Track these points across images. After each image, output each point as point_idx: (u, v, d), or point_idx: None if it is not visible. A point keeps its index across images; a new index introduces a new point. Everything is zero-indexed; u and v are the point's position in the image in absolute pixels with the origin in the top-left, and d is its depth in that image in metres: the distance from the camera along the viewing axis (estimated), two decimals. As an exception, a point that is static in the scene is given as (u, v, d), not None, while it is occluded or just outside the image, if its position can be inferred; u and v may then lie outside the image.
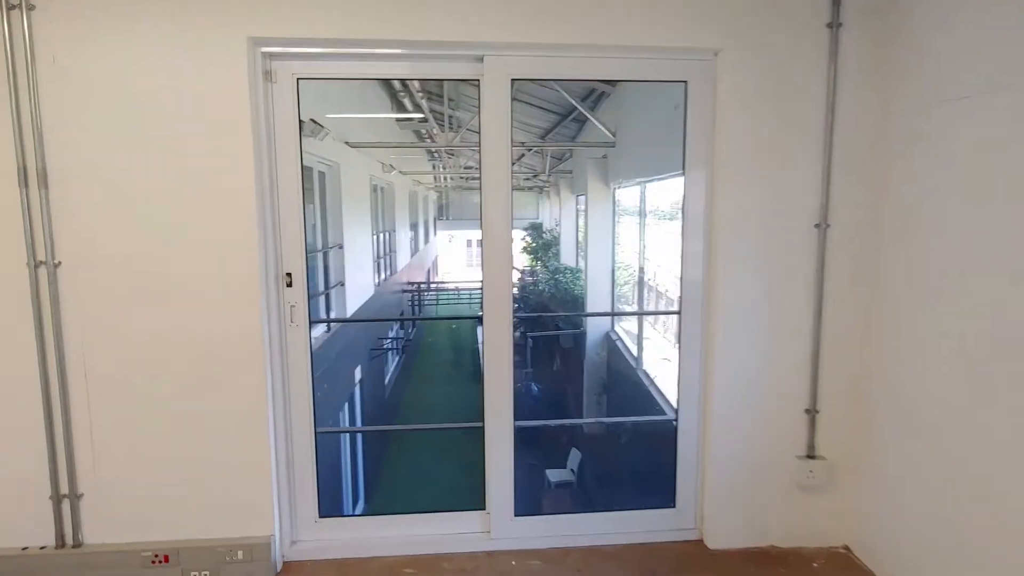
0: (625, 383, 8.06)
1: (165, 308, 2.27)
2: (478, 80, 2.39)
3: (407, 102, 11.46)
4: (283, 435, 2.49)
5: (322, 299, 7.15)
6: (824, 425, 2.56)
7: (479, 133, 2.43)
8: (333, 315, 7.79)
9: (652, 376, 7.09)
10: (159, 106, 2.18)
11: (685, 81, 2.47)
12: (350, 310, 8.30)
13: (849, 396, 2.53)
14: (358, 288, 8.87)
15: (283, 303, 2.45)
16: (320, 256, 7.16)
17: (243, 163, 2.24)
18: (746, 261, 2.47)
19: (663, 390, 6.56)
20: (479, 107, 2.42)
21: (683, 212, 2.57)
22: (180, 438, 2.35)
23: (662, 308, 8.25)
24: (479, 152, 2.44)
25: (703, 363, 2.62)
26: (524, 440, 8.65)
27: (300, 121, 2.38)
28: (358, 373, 8.81)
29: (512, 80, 2.40)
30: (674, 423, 2.75)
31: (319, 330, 7.04)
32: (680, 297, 2.63)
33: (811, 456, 2.56)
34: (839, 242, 2.46)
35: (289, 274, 2.43)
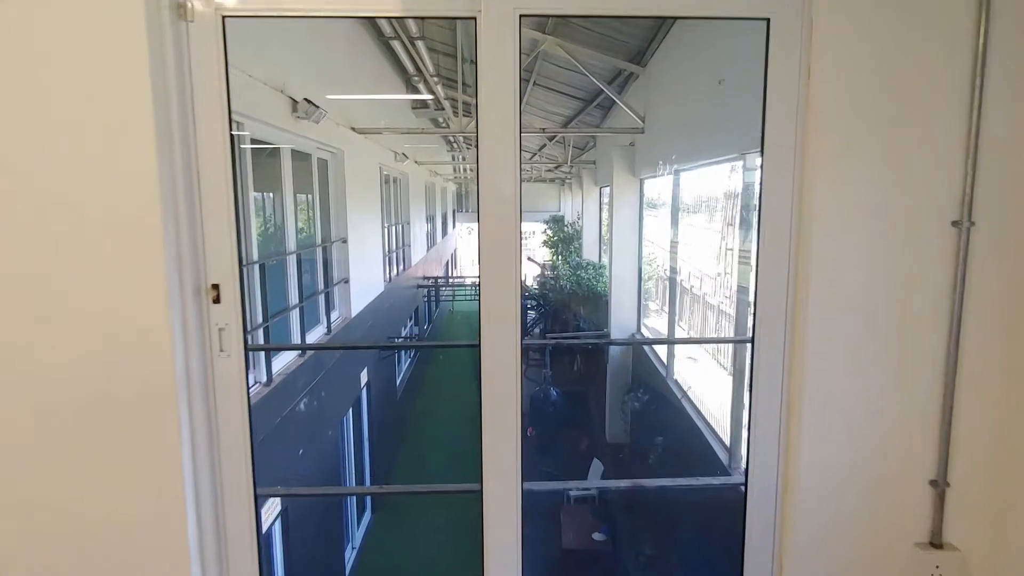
0: (653, 394, 7.34)
1: (36, 335, 1.64)
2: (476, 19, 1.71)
3: (422, 87, 10.83)
4: (209, 504, 1.84)
5: (322, 298, 6.55)
6: (956, 504, 1.84)
7: (475, 94, 1.76)
8: (336, 315, 7.19)
9: (685, 387, 6.37)
10: (22, 58, 1.54)
11: (767, 19, 1.76)
12: (356, 308, 7.71)
13: (993, 464, 1.81)
14: (365, 285, 8.28)
15: (208, 326, 1.80)
16: (319, 251, 6.56)
17: (141, 133, 1.58)
18: (850, 272, 1.75)
19: (697, 403, 5.83)
20: (475, 55, 1.74)
21: (760, 203, 1.85)
22: (65, 512, 1.73)
23: (696, 312, 7.49)
24: (475, 120, 1.76)
25: (784, 411, 1.91)
26: (540, 447, 7.96)
27: (227, 71, 1.72)
28: (364, 376, 8.23)
29: (520, 17, 1.71)
30: (742, 488, 2.05)
31: (319, 331, 6.46)
32: (753, 319, 1.92)
33: (937, 545, 1.85)
34: (987, 247, 1.73)
35: (216, 286, 1.78)
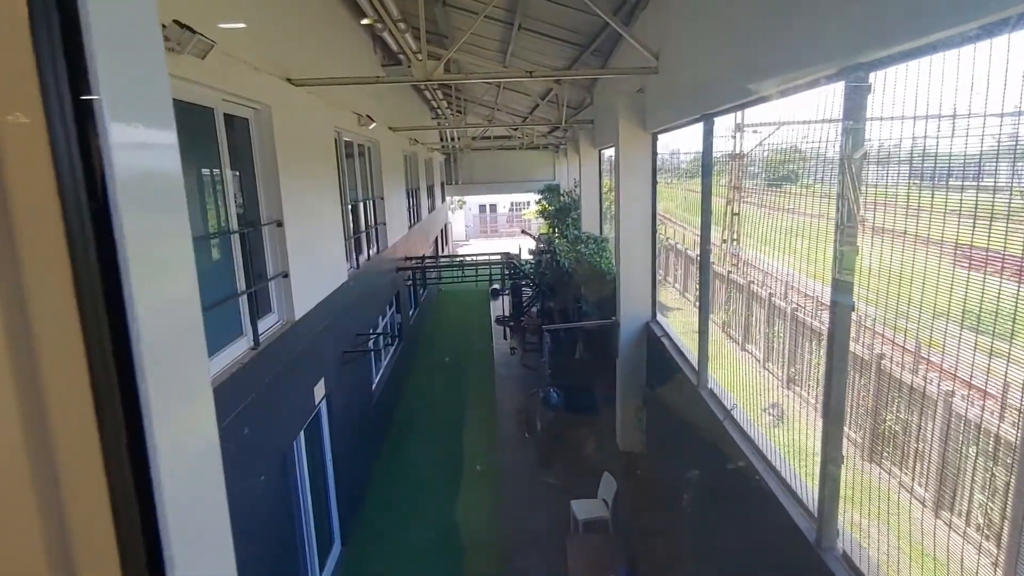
0: (680, 403, 5.80)
1: None
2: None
3: (387, 37, 9.05)
4: None
5: (243, 301, 4.94)
6: None
7: None
8: (272, 321, 5.60)
9: (728, 401, 4.82)
10: None
11: None
12: (303, 307, 6.12)
13: None
14: (316, 275, 6.67)
15: None
16: (235, 240, 4.92)
17: None
18: None
19: (751, 431, 4.29)
20: None
21: None
22: None
23: (735, 301, 5.91)
24: None
25: None
26: (541, 458, 6.50)
27: None
28: (320, 389, 6.68)
29: None
30: None
31: (240, 346, 4.87)
32: None
33: None
34: None
35: None
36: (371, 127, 9.30)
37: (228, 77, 4.60)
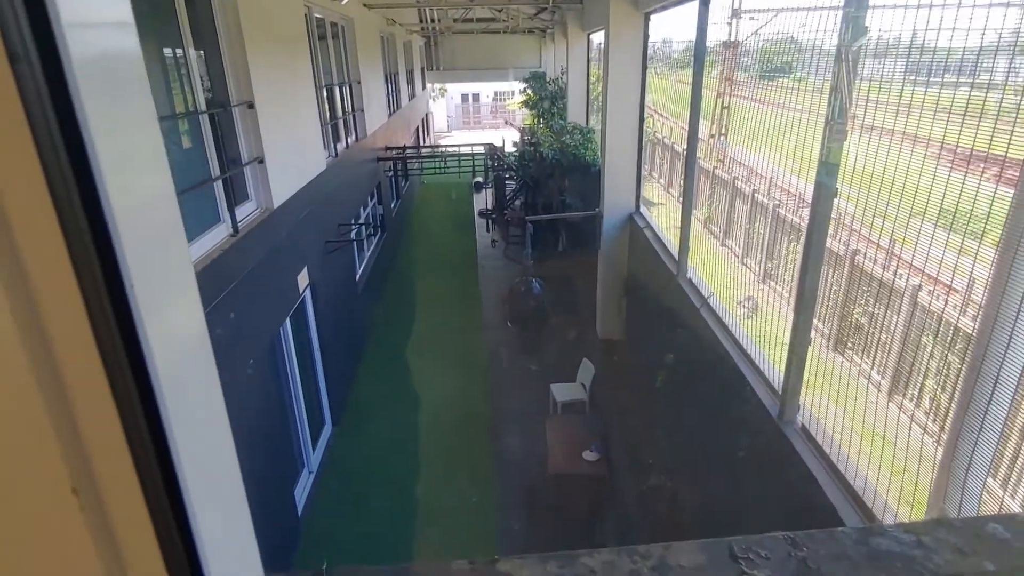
0: (659, 292, 5.95)
1: None
2: None
3: None
4: None
5: (217, 187, 4.80)
6: None
7: None
8: (250, 208, 5.48)
9: (705, 290, 4.95)
10: None
11: None
12: (281, 195, 5.99)
13: None
14: (293, 162, 6.48)
15: None
16: (204, 122, 4.70)
17: None
18: None
19: (724, 317, 4.46)
20: None
21: None
22: None
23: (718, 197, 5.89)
24: None
25: None
26: (523, 347, 6.83)
27: None
28: (303, 278, 6.71)
29: None
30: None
31: (219, 234, 4.81)
32: None
33: None
34: None
35: None
36: (344, 2, 8.65)
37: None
